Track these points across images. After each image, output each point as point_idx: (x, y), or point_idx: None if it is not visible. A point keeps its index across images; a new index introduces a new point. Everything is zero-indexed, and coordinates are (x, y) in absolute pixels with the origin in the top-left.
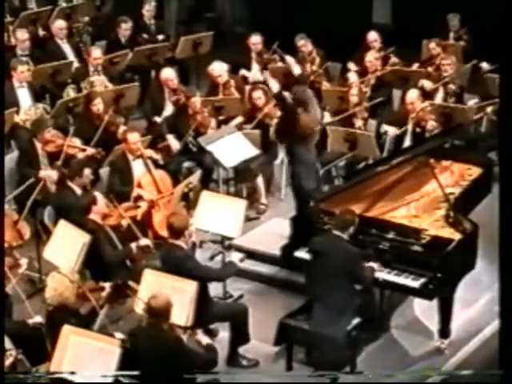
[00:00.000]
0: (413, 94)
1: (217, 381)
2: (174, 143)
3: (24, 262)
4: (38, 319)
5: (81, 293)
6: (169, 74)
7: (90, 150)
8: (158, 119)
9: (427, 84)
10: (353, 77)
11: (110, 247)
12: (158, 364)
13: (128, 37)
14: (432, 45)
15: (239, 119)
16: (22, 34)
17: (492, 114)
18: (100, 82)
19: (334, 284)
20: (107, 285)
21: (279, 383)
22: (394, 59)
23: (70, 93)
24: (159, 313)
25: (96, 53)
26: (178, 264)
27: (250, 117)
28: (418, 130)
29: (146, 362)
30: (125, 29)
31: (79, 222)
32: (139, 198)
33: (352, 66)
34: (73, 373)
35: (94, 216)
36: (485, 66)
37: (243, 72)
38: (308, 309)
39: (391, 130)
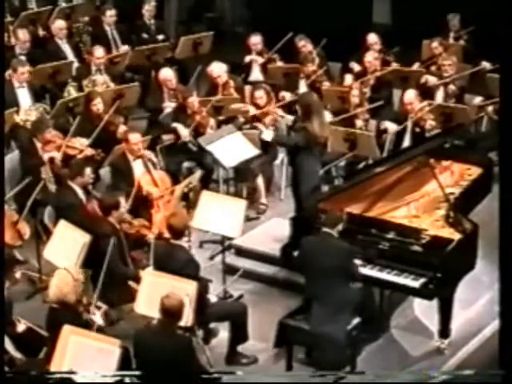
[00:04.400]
0: (411, 95)
1: (217, 380)
2: (182, 131)
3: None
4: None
5: (81, 299)
6: (167, 74)
7: (90, 151)
8: (165, 104)
9: (431, 79)
10: (348, 78)
11: (121, 263)
12: (168, 363)
13: (113, 25)
14: (435, 44)
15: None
16: (24, 35)
17: (493, 113)
18: (102, 81)
19: (330, 282)
20: (104, 307)
21: (279, 383)
22: (394, 65)
23: (71, 91)
24: (172, 312)
25: (99, 52)
26: (177, 265)
27: (251, 116)
28: (417, 129)
29: (154, 361)
30: (110, 15)
31: (79, 222)
32: (146, 196)
33: (355, 65)
34: (73, 373)
35: (113, 219)
36: (486, 65)
37: (250, 57)
38: (307, 308)
39: (391, 127)
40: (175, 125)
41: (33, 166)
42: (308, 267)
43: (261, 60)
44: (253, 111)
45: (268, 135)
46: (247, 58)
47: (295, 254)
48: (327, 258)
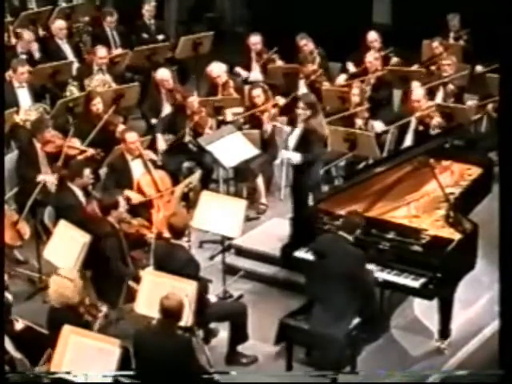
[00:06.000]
0: (419, 92)
1: (217, 381)
2: (160, 144)
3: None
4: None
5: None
6: (164, 74)
7: (90, 151)
8: (154, 121)
9: (416, 84)
10: (341, 79)
11: (120, 263)
12: (168, 363)
13: (114, 28)
14: (435, 44)
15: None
16: (29, 35)
17: (492, 111)
18: (104, 81)
19: (337, 285)
20: (104, 309)
21: (279, 383)
22: (394, 59)
23: (73, 90)
24: (172, 313)
25: (101, 52)
26: (177, 265)
27: (249, 116)
28: (420, 127)
29: (154, 361)
30: (110, 21)
31: (79, 222)
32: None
33: (350, 66)
34: (73, 373)
35: (112, 219)
36: (478, 68)
37: (238, 70)
38: (308, 309)
39: (378, 126)
40: (157, 134)
41: (27, 176)
42: (317, 268)
43: (245, 75)
44: (230, 117)
45: (296, 158)
46: (236, 69)
47: (295, 253)
48: (339, 263)
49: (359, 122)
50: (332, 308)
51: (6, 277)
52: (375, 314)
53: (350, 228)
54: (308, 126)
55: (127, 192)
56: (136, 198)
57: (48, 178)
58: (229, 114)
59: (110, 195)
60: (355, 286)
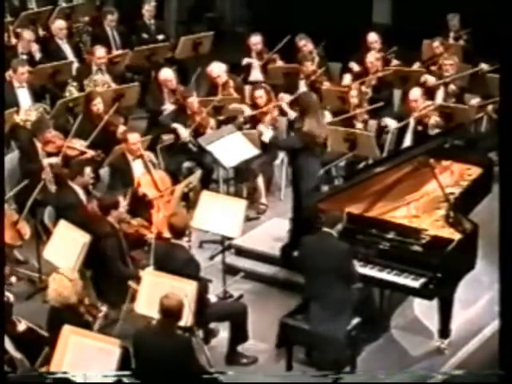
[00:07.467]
0: (416, 92)
1: (217, 380)
2: (182, 131)
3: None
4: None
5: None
6: (167, 74)
7: (90, 153)
8: (164, 107)
9: (430, 79)
10: (347, 78)
11: (120, 263)
12: (168, 363)
13: (114, 28)
14: (436, 43)
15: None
16: (29, 35)
17: (492, 112)
18: (103, 81)
19: (329, 281)
20: (104, 309)
21: (279, 383)
22: (395, 62)
23: (72, 90)
24: (172, 313)
25: (100, 52)
26: (177, 265)
27: (250, 116)
28: (419, 127)
29: (154, 361)
30: (110, 20)
31: (79, 222)
32: (143, 197)
33: (354, 65)
34: (73, 373)
35: (112, 219)
36: (484, 66)
37: (248, 60)
38: (305, 308)
39: (392, 124)
40: (175, 125)
41: (32, 170)
42: (307, 267)
43: (257, 63)
44: (248, 112)
45: (266, 136)
46: (244, 61)
47: (295, 253)
48: (326, 258)
49: (359, 124)
50: (329, 305)
51: (13, 279)
52: (375, 314)
53: (331, 222)
54: (299, 124)
55: (142, 189)
56: (153, 193)
57: (52, 160)
58: (246, 109)
59: (111, 195)
60: (347, 280)
